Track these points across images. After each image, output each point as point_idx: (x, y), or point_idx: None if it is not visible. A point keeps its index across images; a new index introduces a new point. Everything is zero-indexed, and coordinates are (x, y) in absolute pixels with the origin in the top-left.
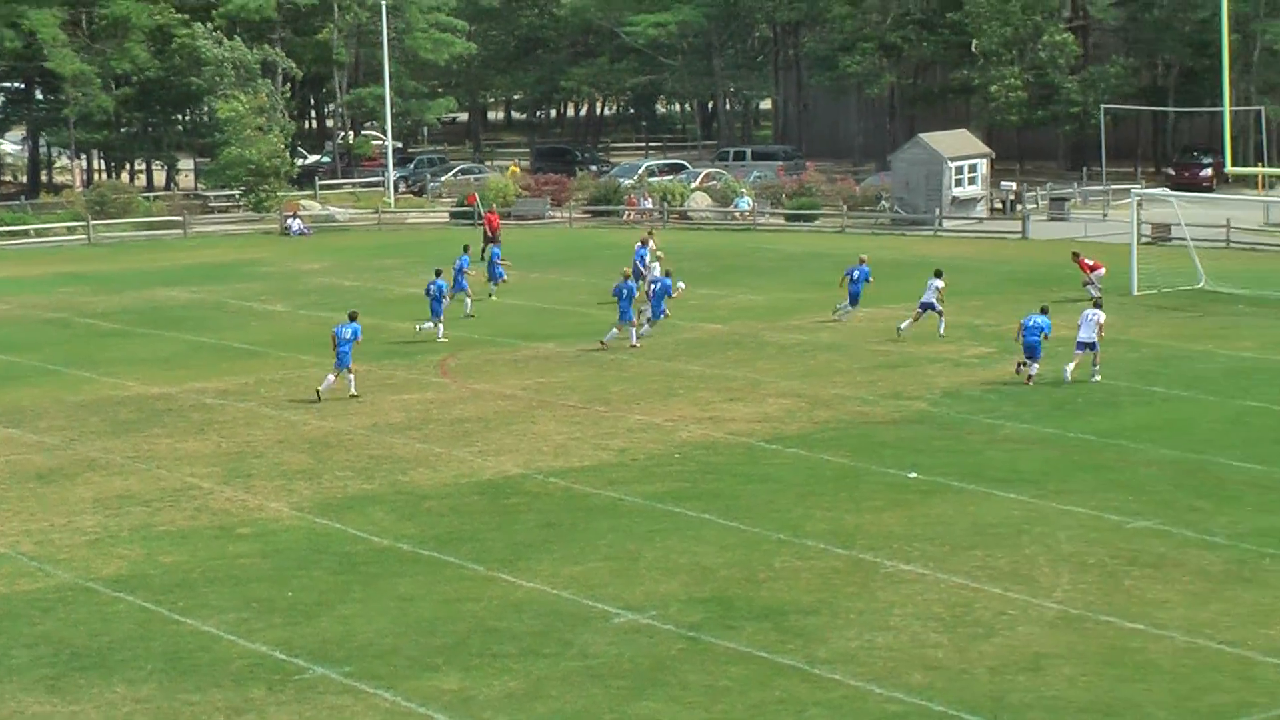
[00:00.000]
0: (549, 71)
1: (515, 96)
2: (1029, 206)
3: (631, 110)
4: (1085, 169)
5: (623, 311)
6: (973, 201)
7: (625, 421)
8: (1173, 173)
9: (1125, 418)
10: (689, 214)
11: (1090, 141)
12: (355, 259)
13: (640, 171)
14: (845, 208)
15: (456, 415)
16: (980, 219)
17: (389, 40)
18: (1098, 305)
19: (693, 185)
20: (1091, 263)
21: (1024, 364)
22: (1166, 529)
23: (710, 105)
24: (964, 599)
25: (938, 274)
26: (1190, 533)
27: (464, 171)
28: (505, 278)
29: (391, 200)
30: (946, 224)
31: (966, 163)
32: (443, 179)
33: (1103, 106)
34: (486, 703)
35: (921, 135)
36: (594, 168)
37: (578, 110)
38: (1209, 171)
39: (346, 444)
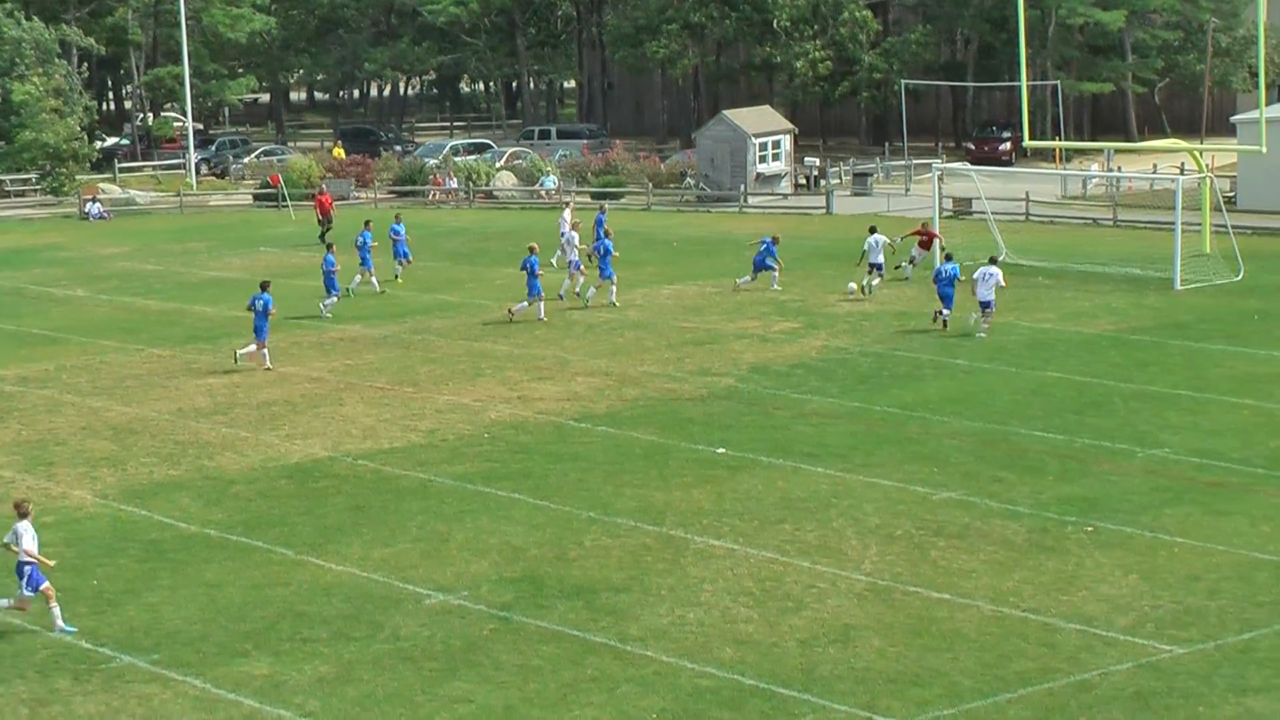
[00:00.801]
0: (351, 52)
1: (318, 77)
2: (832, 182)
3: (435, 90)
4: (887, 144)
5: (531, 288)
6: (777, 178)
7: (433, 402)
8: (972, 147)
9: (929, 390)
10: (494, 193)
11: (891, 117)
12: (157, 242)
13: (445, 151)
14: (650, 185)
15: (263, 399)
16: (784, 195)
17: (187, 19)
18: (993, 261)
19: (498, 165)
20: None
21: (940, 312)
22: (971, 500)
23: (514, 85)
24: (774, 573)
25: (872, 230)
26: (993, 503)
27: (267, 153)
28: (410, 258)
29: (193, 183)
30: (751, 200)
31: (770, 139)
32: (245, 161)
33: (903, 81)
34: (297, 687)
35: (725, 112)
36: (399, 148)
37: (381, 91)
38: (1007, 145)
39: (151, 430)
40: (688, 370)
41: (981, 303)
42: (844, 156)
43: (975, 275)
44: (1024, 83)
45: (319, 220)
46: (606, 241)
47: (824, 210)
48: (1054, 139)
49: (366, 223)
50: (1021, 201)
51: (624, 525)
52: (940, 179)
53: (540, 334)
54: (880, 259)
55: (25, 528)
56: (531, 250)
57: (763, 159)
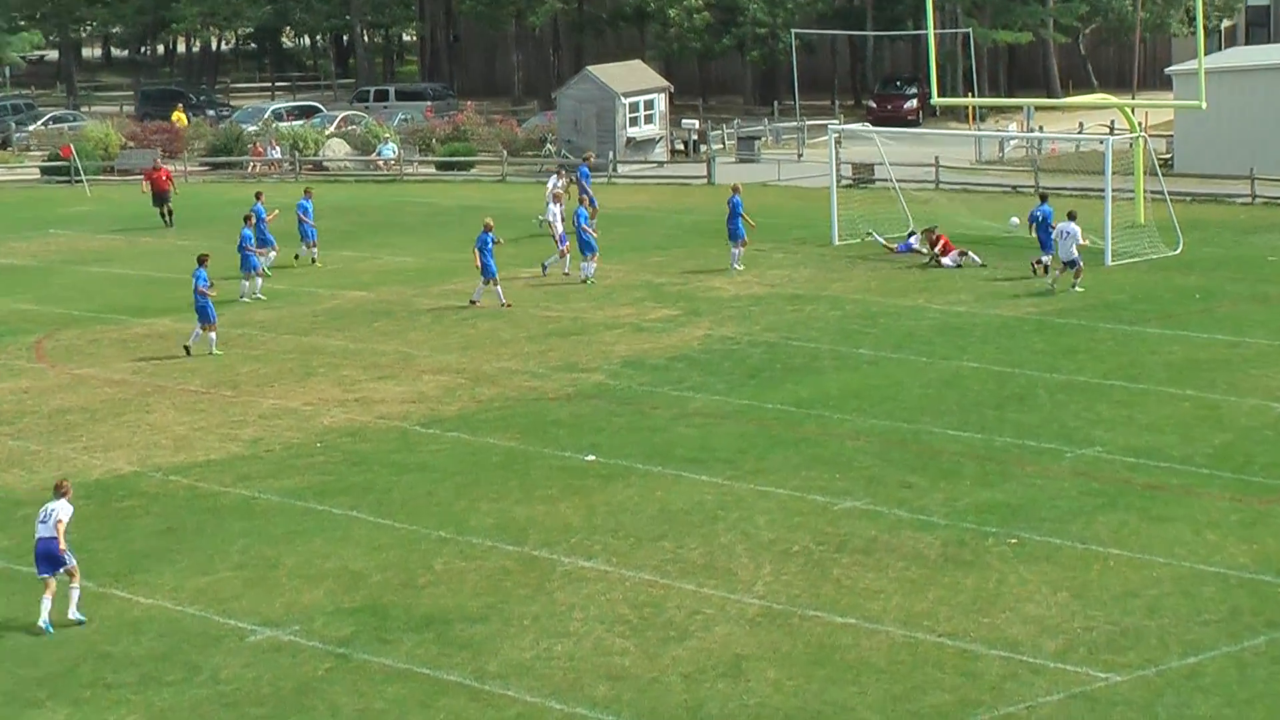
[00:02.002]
0: (154, 1)
1: (115, 30)
2: (714, 147)
3: (253, 45)
4: (776, 103)
5: (484, 266)
6: (650, 143)
7: (257, 407)
8: (874, 105)
9: (828, 384)
10: (325, 164)
11: (781, 72)
12: None
13: (266, 116)
14: (505, 153)
15: (56, 406)
16: (659, 163)
17: None
18: (1071, 216)
19: (328, 131)
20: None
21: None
22: (877, 509)
23: (346, 38)
24: (653, 598)
25: (1070, 216)
26: (903, 512)
27: (56, 120)
28: (314, 239)
29: None
30: (621, 169)
31: (642, 99)
32: (31, 129)
33: (793, 31)
34: None
35: (590, 68)
36: (211, 112)
37: (189, 46)
38: (913, 104)
39: None
40: (551, 365)
41: (1066, 262)
42: (727, 118)
43: (1054, 234)
44: (930, 31)
45: (156, 198)
46: (581, 210)
47: (705, 180)
48: (966, 95)
49: (306, 190)
50: (930, 167)
51: (480, 545)
52: (837, 142)
53: (381, 326)
54: (1074, 253)
55: None
56: (486, 227)
57: (634, 121)
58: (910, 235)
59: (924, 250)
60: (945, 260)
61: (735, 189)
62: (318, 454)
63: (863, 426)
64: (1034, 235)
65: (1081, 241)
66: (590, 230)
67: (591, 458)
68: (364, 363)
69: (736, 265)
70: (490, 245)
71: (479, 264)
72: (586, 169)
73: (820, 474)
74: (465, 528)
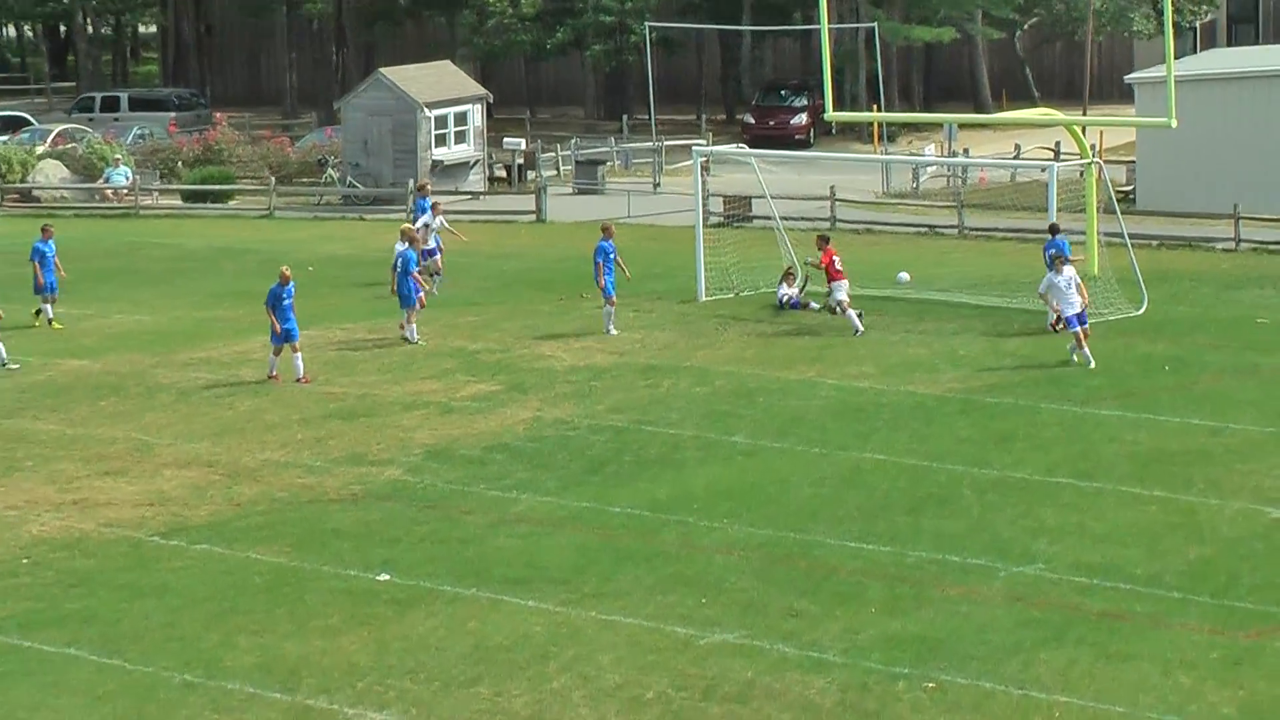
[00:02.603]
0: None
1: None
2: (546, 174)
3: None
4: (626, 118)
5: (404, 297)
6: (463, 168)
7: None
8: (751, 121)
9: (692, 481)
10: (35, 193)
11: (633, 77)
12: None
13: None
14: (274, 181)
15: None
16: (475, 194)
17: None
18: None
19: (39, 150)
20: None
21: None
22: (756, 644)
23: (64, 30)
24: None
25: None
26: (789, 648)
27: None
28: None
29: None
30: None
31: (453, 110)
32: None
33: (647, 24)
34: None
35: (385, 71)
36: None
37: None
38: (802, 119)
39: None
40: (332, 457)
41: (1069, 320)
42: (563, 136)
43: (1055, 283)
44: (825, 26)
45: None
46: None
47: (534, 216)
48: (870, 109)
49: (45, 229)
50: (824, 201)
51: (238, 693)
52: (704, 168)
53: (109, 405)
54: (1074, 306)
55: None
56: (283, 278)
57: (441, 140)
58: (784, 280)
59: (811, 271)
60: (835, 299)
61: (606, 231)
62: (23, 573)
63: (737, 536)
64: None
65: (1077, 281)
66: (425, 280)
67: (385, 577)
68: (86, 453)
69: (611, 328)
70: (290, 300)
71: (276, 327)
72: (426, 202)
73: (682, 598)
74: (218, 669)
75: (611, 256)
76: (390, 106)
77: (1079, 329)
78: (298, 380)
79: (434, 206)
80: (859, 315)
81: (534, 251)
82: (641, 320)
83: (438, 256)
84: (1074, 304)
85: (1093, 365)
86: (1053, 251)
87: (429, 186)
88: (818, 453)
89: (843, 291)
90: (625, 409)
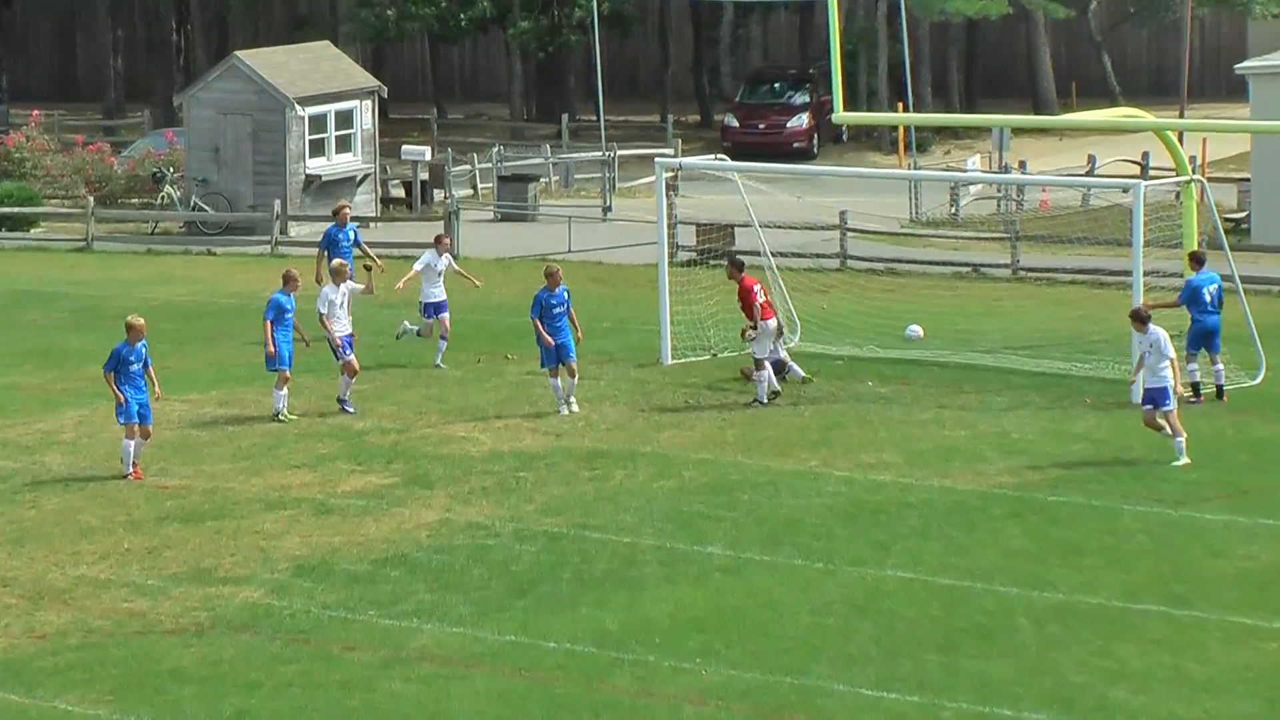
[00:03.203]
0: None
1: None
2: (459, 194)
3: None
4: (566, 119)
5: (127, 401)
6: (347, 185)
7: None
8: (735, 124)
9: (653, 607)
10: None
11: (575, 66)
12: None
13: None
14: (93, 201)
15: None
16: (364, 221)
17: None
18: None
19: None
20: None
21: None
22: None
23: None
24: None
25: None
26: None
27: None
28: None
29: None
30: (295, 229)
31: (333, 108)
32: None
33: None
34: None
35: (242, 55)
36: None
37: None
38: (802, 121)
39: None
40: (170, 574)
41: (1152, 394)
42: (482, 143)
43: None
44: None
45: None
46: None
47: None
48: (894, 108)
49: None
50: (833, 231)
51: None
52: (671, 187)
53: None
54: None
55: None
56: (133, 331)
57: (318, 149)
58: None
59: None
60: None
61: (552, 276)
62: None
63: (713, 682)
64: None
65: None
66: (333, 335)
67: None
68: None
69: (568, 405)
70: (141, 365)
71: (118, 397)
72: (346, 233)
73: None
74: None
75: (560, 312)
76: (250, 103)
77: (1164, 408)
78: (127, 475)
79: (438, 241)
80: (787, 376)
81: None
82: (586, 390)
83: (445, 315)
84: (1158, 374)
85: (1182, 458)
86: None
87: (348, 210)
88: (821, 569)
89: (765, 337)
90: (563, 509)
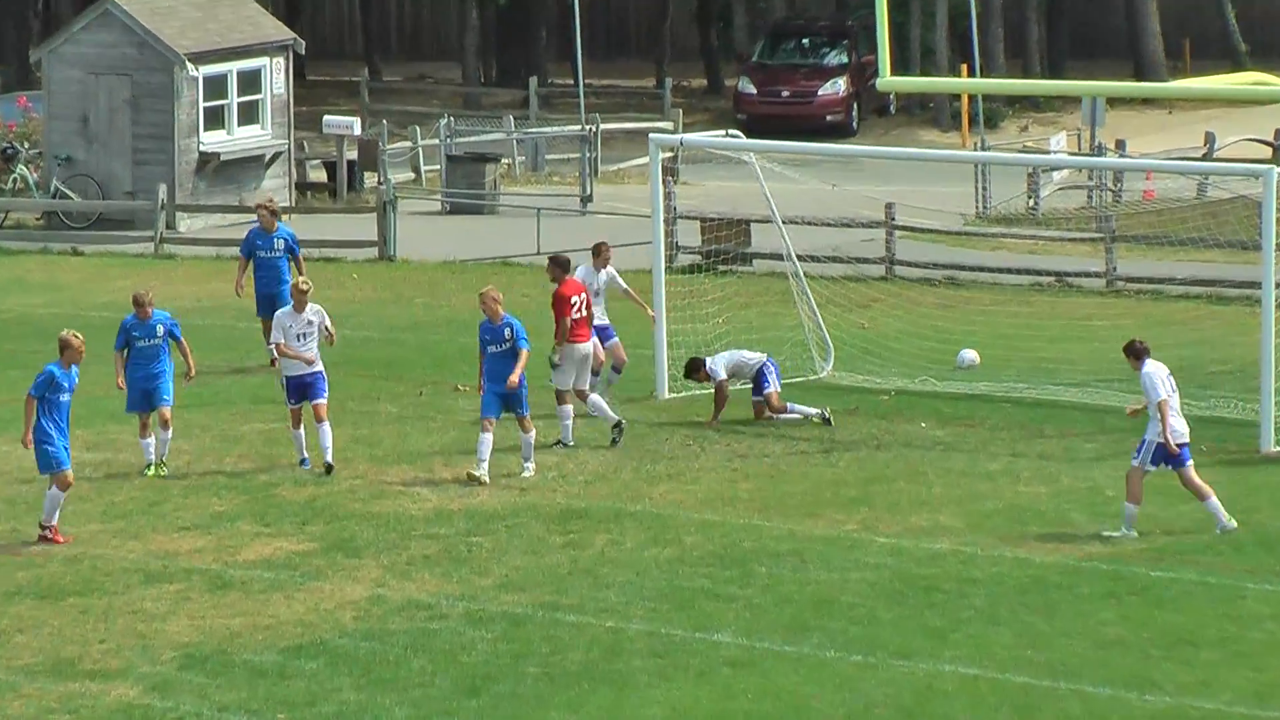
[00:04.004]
0: None
1: None
2: (395, 179)
3: None
4: (535, 82)
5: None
6: (254, 165)
7: None
8: (752, 90)
9: (643, 710)
10: None
11: (545, 17)
12: None
13: None
14: None
15: None
16: (274, 212)
17: None
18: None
19: None
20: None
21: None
22: None
23: None
24: None
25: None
26: None
27: None
28: None
29: None
30: (186, 223)
31: (235, 67)
32: None
33: None
34: None
35: None
36: None
37: None
38: (838, 88)
39: None
40: (22, 664)
41: (1156, 450)
42: (426, 113)
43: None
44: None
45: None
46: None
47: (374, 250)
48: (956, 72)
49: None
50: (875, 230)
51: None
52: (670, 170)
53: None
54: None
55: None
56: (67, 351)
57: (215, 119)
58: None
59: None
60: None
61: (486, 302)
62: None
63: None
64: None
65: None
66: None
67: None
68: None
69: (528, 468)
70: (68, 398)
71: (32, 445)
72: (274, 239)
73: None
74: None
75: (506, 350)
76: (128, 60)
77: (1173, 468)
78: (42, 532)
79: (598, 251)
80: (615, 424)
81: (373, 311)
82: (557, 430)
83: (615, 341)
84: (1171, 426)
85: (1225, 523)
86: None
87: (275, 205)
88: (860, 662)
89: (571, 365)
90: (529, 584)
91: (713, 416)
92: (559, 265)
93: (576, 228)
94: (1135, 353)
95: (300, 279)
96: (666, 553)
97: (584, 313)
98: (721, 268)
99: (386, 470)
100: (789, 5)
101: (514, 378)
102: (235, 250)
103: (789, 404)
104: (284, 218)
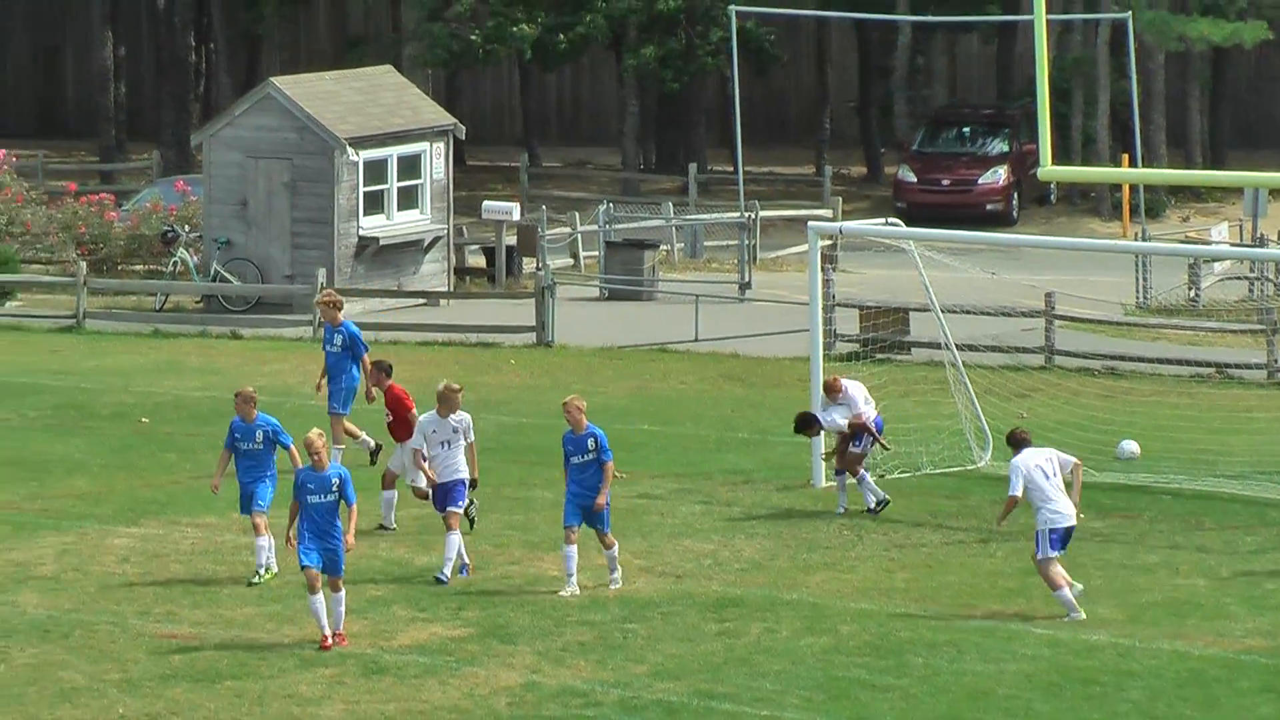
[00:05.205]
0: None
1: None
2: (554, 264)
3: None
4: (695, 168)
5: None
6: (413, 250)
7: None
8: (912, 178)
9: None
10: None
11: (704, 102)
12: None
13: None
14: (84, 268)
15: None
16: (431, 295)
17: None
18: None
19: None
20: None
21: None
22: None
23: None
24: None
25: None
26: None
27: None
28: None
29: None
30: (346, 307)
31: (395, 152)
32: None
33: (734, 9)
34: None
35: (279, 82)
36: None
37: None
38: (999, 176)
39: None
40: None
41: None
42: (585, 199)
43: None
44: (1040, 17)
45: None
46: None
47: (533, 335)
48: (1118, 161)
49: None
50: (1036, 318)
51: None
52: (827, 259)
53: None
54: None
55: None
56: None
57: (375, 203)
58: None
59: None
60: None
61: (570, 411)
62: None
63: None
64: None
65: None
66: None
67: None
68: None
69: (615, 578)
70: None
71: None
72: (351, 330)
73: None
74: None
75: (589, 460)
76: (288, 143)
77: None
78: (329, 638)
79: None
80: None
81: (529, 397)
82: (716, 518)
83: (870, 436)
84: (1061, 510)
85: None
86: None
87: (336, 300)
88: None
89: (413, 473)
90: (683, 673)
91: (836, 454)
92: (383, 369)
93: (735, 314)
94: (1012, 441)
95: (446, 386)
96: (822, 642)
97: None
98: (879, 356)
99: (541, 556)
100: (950, 93)
101: (600, 499)
102: (395, 335)
103: (865, 477)
104: (441, 304)
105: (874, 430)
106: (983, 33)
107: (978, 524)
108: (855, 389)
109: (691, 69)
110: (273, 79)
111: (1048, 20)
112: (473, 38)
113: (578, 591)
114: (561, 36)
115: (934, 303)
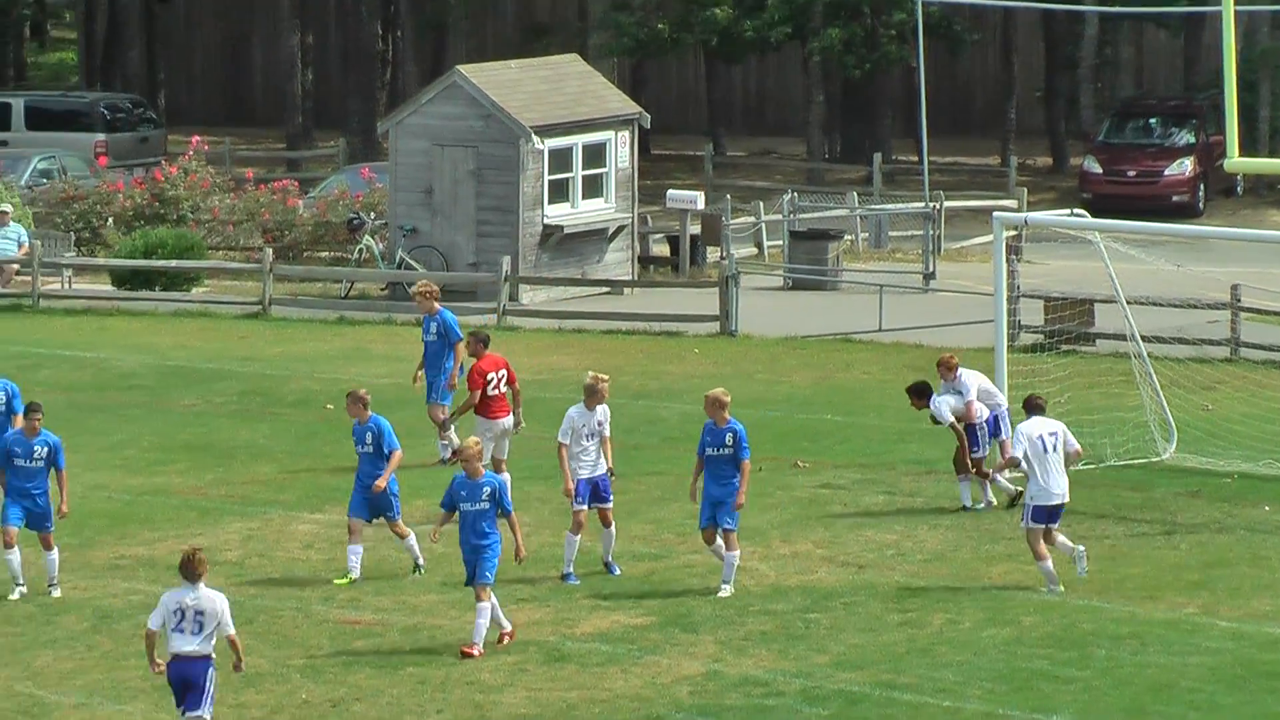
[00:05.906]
0: None
1: None
2: (738, 254)
3: None
4: (878, 158)
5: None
6: (597, 239)
7: None
8: (1097, 169)
9: None
10: None
11: (888, 92)
12: None
13: None
14: (270, 255)
15: None
16: (615, 284)
17: None
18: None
19: None
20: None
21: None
22: None
23: None
24: None
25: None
26: None
27: None
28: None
29: None
30: (528, 296)
31: (580, 140)
32: None
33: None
34: None
35: (465, 70)
36: None
37: None
38: (1186, 167)
39: None
40: None
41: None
42: (770, 189)
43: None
44: (1228, 6)
45: None
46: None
47: (716, 324)
48: None
49: None
50: (1222, 310)
51: None
52: (1013, 248)
53: None
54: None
55: None
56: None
57: (561, 192)
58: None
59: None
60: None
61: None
62: None
63: None
64: None
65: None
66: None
67: None
68: None
69: (725, 588)
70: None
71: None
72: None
73: None
74: None
75: (732, 454)
76: (474, 132)
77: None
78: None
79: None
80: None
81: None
82: (895, 508)
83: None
84: (1049, 486)
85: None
86: None
87: (433, 289)
88: None
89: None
90: (865, 662)
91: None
92: (481, 339)
93: (919, 305)
94: (1027, 407)
95: (592, 376)
96: (1004, 633)
97: (500, 389)
98: (1064, 347)
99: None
100: (1136, 84)
101: (740, 497)
102: (578, 324)
103: (996, 476)
104: (625, 292)
105: (985, 428)
106: (1169, 24)
107: (1161, 516)
108: (971, 377)
109: (874, 56)
110: (459, 67)
111: (1236, 11)
112: (660, 26)
113: (733, 590)
114: (747, 25)
115: (1119, 294)
